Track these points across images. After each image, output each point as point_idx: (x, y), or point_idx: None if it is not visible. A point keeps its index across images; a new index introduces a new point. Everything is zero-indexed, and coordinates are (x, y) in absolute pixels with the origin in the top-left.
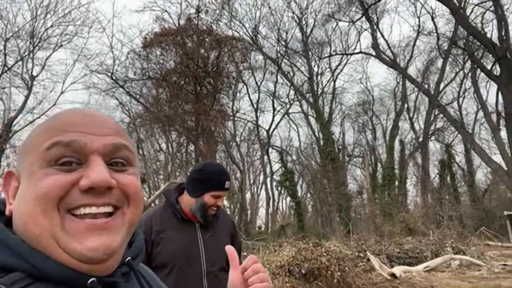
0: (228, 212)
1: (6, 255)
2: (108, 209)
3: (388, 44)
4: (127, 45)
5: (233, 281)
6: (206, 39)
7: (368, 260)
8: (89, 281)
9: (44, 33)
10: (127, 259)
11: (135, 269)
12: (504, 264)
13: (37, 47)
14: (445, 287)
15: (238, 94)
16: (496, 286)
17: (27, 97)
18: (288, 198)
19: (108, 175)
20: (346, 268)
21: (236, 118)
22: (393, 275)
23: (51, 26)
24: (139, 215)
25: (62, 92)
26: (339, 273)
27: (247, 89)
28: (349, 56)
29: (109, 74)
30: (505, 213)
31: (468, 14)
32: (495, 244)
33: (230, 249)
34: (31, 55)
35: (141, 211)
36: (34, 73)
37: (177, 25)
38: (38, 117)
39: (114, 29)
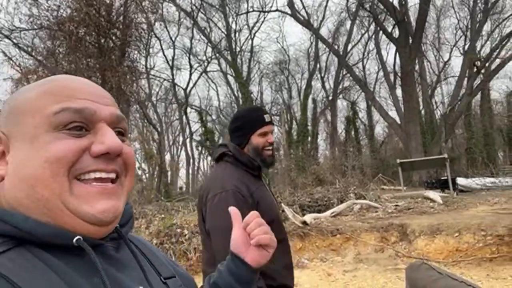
0: (145, 175)
1: None
2: (113, 176)
3: (302, 4)
4: None
5: (236, 239)
6: None
7: (283, 211)
8: (75, 239)
9: None
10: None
11: (124, 236)
12: (396, 205)
13: None
14: (348, 228)
15: (151, 50)
16: (389, 224)
17: None
18: (209, 158)
19: (120, 141)
20: None
21: (150, 76)
22: (304, 222)
23: None
24: (132, 186)
25: None
26: None
27: (160, 44)
28: (266, 13)
29: None
30: (398, 161)
31: None
32: (389, 188)
33: (233, 210)
34: None
35: (133, 182)
36: None
37: None
38: None
39: None
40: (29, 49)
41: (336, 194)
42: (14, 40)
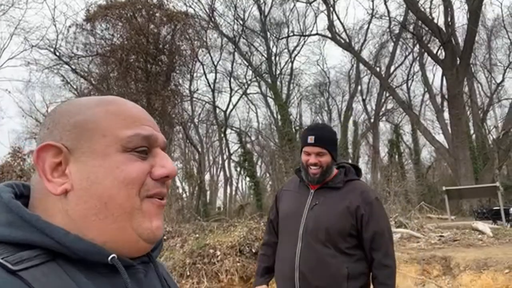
0: (186, 194)
1: (27, 231)
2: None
3: (343, 27)
4: (71, 18)
5: None
6: (156, 14)
7: None
8: (110, 257)
9: None
10: None
11: (154, 260)
12: (441, 236)
13: None
14: None
15: (195, 74)
16: (431, 256)
17: None
18: (248, 178)
19: (175, 167)
20: None
21: (193, 99)
22: None
23: None
24: None
25: None
26: None
27: (203, 68)
28: (306, 37)
29: (52, 50)
30: (443, 188)
31: None
32: (436, 217)
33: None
34: None
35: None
36: None
37: None
38: None
39: (56, 0)
40: (85, 74)
41: None
42: (73, 66)
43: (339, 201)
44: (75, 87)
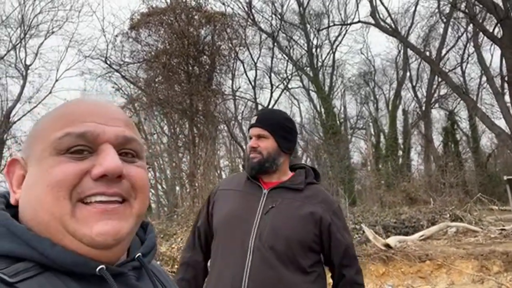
0: None
1: (14, 243)
2: (116, 199)
3: (388, 11)
4: (119, 28)
5: None
6: (195, 17)
7: (364, 231)
8: (98, 268)
9: (33, 20)
10: (137, 255)
11: (146, 265)
12: (502, 229)
13: (28, 35)
14: (440, 254)
15: (236, 73)
16: (490, 251)
17: (22, 87)
18: None
19: (120, 162)
20: None
21: (236, 97)
22: (387, 245)
23: (40, 12)
24: (146, 208)
25: (56, 80)
26: None
27: (243, 66)
28: (348, 26)
29: (103, 59)
30: (505, 177)
31: None
32: (498, 208)
33: None
34: (23, 43)
35: (147, 204)
36: (28, 62)
37: (166, 3)
38: (35, 106)
39: (104, 11)
40: (134, 80)
41: (427, 215)
42: (122, 73)
43: (301, 205)
44: (126, 92)
